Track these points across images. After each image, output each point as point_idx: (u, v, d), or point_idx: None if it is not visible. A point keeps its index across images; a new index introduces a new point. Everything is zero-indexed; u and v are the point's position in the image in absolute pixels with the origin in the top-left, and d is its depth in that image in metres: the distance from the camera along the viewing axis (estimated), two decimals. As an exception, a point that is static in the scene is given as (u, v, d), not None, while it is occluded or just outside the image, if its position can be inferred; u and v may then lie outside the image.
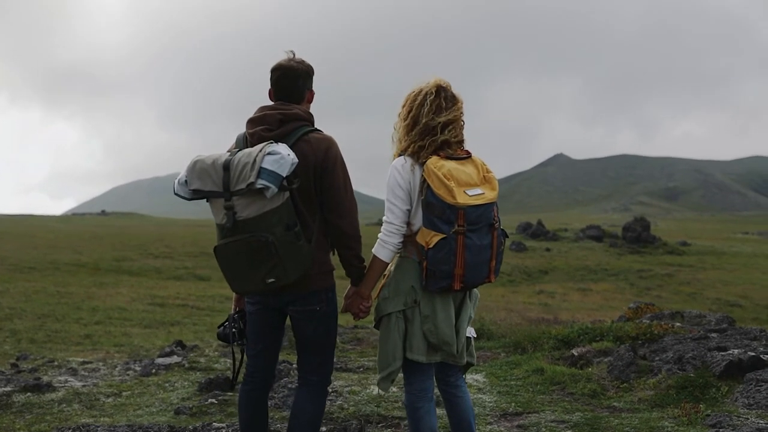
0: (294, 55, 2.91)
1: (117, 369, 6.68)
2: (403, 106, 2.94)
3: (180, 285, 21.90)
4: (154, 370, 6.44)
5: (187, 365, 6.60)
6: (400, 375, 3.01)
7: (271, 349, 3.00)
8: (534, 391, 5.29)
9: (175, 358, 6.83)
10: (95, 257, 26.99)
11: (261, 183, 2.54)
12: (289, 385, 5.30)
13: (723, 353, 5.11)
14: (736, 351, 5.12)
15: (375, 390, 5.40)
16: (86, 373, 6.43)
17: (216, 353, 7.30)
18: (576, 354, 6.04)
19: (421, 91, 2.90)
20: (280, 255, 2.60)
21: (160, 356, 7.11)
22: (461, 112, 2.90)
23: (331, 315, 2.91)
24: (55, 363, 6.87)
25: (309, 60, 2.94)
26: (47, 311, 13.92)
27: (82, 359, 7.27)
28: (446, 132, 2.81)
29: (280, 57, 2.89)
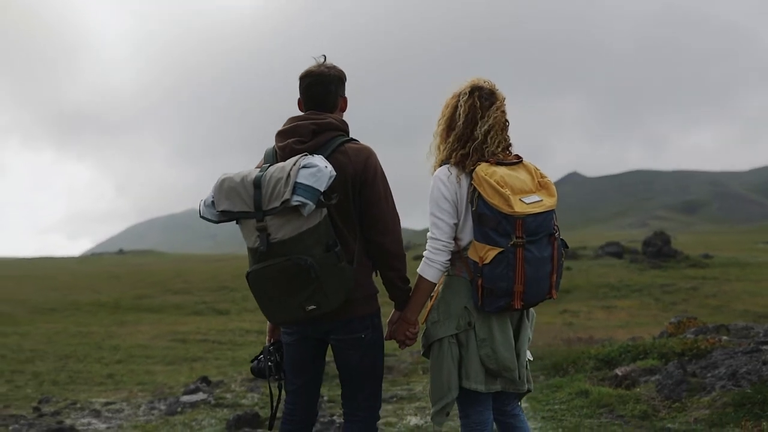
0: (325, 59, 2.67)
1: (141, 409, 6.46)
2: (441, 112, 2.72)
3: (200, 320, 21.69)
4: (179, 409, 6.21)
5: (213, 402, 6.37)
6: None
7: (313, 383, 2.75)
8: (581, 415, 5.00)
9: (200, 395, 6.60)
10: (115, 296, 26.88)
11: (297, 200, 2.31)
12: (321, 419, 5.06)
13: (780, 366, 4.82)
14: (794, 363, 4.82)
15: (412, 421, 5.14)
16: (110, 414, 6.22)
17: (242, 388, 7.06)
18: (620, 374, 5.74)
19: (455, 93, 2.68)
20: (320, 279, 2.36)
21: (185, 394, 6.88)
22: (502, 111, 2.64)
23: (377, 343, 2.66)
24: (78, 405, 6.67)
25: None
26: (69, 352, 13.77)
27: (104, 400, 7.06)
28: (488, 139, 2.58)
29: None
